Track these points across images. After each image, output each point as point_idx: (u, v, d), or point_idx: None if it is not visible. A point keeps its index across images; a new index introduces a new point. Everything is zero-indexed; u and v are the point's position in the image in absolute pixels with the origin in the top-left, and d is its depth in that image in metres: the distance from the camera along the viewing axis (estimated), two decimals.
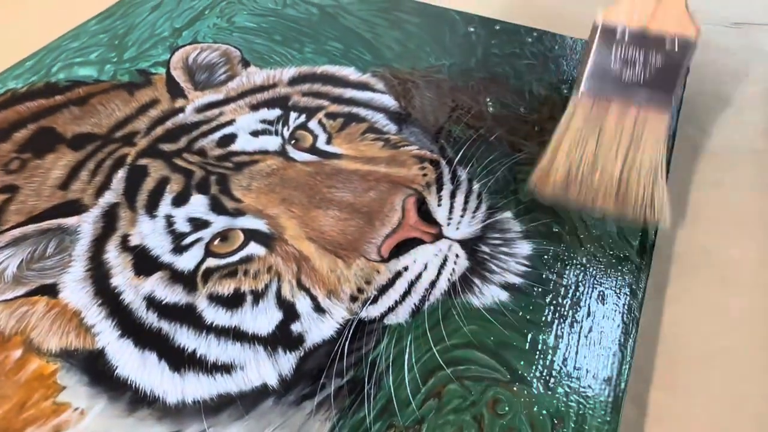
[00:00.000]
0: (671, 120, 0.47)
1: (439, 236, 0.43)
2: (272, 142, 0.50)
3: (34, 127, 0.52)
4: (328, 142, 0.50)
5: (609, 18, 0.49)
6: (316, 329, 0.39)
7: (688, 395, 0.41)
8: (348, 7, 0.68)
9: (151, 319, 0.39)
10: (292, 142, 0.50)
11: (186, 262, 0.42)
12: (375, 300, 0.40)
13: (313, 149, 0.49)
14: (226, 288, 0.41)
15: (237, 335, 0.39)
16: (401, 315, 0.40)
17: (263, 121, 0.52)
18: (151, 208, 0.45)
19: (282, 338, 0.39)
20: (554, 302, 0.41)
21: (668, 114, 0.47)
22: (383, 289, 0.41)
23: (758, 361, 0.42)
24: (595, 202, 0.45)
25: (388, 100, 0.55)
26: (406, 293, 0.40)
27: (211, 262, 0.42)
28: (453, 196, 0.46)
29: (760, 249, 0.49)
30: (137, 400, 0.36)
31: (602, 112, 0.47)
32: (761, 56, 0.69)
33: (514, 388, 0.37)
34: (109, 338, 0.39)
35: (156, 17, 0.66)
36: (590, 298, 0.41)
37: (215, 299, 0.40)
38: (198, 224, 0.44)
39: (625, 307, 0.41)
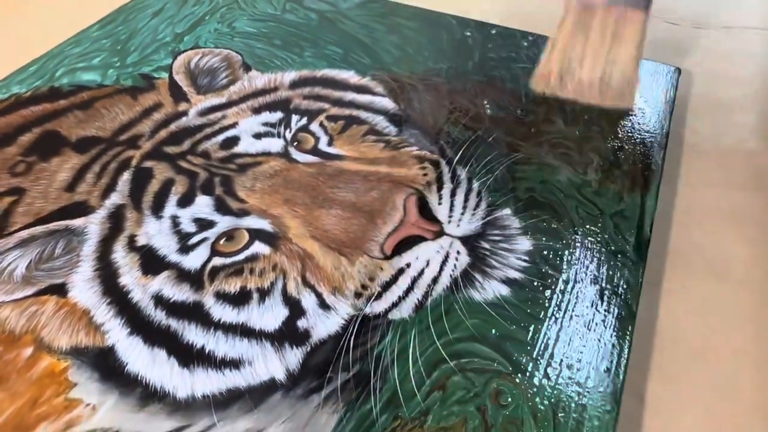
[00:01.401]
0: (646, 16, 0.57)
1: (440, 233, 0.44)
2: (275, 144, 0.51)
3: (39, 131, 0.53)
4: (330, 143, 0.51)
5: None
6: (321, 325, 0.40)
7: (685, 387, 0.42)
8: (346, 13, 0.69)
9: (159, 316, 0.40)
10: (295, 144, 0.51)
11: (192, 261, 0.43)
12: (379, 296, 0.41)
13: (315, 151, 0.50)
14: (233, 286, 0.41)
15: (244, 331, 0.39)
16: (405, 310, 0.41)
17: (265, 124, 0.53)
18: (157, 209, 0.46)
19: (288, 334, 0.39)
20: (554, 296, 0.42)
21: (644, 12, 0.57)
22: (387, 286, 0.41)
23: (752, 353, 0.43)
24: (582, 95, 0.57)
25: (388, 103, 0.56)
26: (409, 289, 0.41)
27: (217, 261, 0.43)
28: (453, 194, 0.47)
29: (752, 245, 0.50)
30: (148, 395, 0.37)
31: (589, 16, 0.58)
32: (752, 58, 0.70)
33: (516, 380, 0.37)
34: (118, 336, 0.39)
35: (157, 23, 0.67)
36: (588, 291, 0.42)
37: (222, 297, 0.41)
38: (203, 224, 0.45)
39: (623, 300, 0.42)
